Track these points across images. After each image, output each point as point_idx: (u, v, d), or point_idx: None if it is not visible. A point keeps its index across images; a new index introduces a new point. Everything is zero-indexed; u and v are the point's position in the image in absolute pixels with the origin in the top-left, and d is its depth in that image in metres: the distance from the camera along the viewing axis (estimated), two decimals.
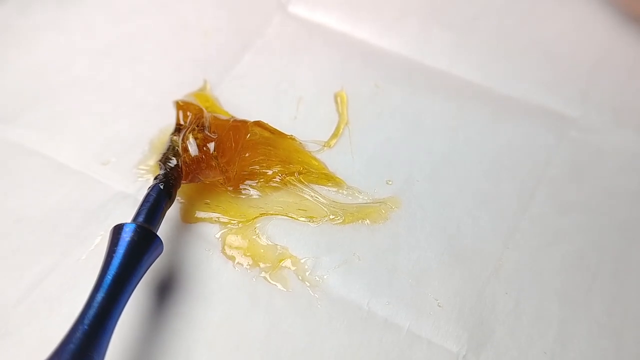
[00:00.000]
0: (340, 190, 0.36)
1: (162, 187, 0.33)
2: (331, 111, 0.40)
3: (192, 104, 0.37)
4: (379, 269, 0.33)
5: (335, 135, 0.39)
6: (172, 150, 0.35)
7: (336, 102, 0.40)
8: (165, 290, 0.33)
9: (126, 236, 0.29)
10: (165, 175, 0.34)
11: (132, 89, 0.41)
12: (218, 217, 0.35)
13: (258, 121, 0.36)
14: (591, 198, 0.36)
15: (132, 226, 0.30)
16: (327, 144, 0.38)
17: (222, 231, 0.35)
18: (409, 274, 0.33)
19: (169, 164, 0.34)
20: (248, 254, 0.34)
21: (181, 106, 0.37)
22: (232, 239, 0.34)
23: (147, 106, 0.40)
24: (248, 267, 0.33)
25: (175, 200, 0.36)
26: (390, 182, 0.36)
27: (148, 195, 0.32)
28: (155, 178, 0.33)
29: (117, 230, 0.30)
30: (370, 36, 0.43)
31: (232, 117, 0.38)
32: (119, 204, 0.36)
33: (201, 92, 0.40)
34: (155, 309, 0.32)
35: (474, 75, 0.41)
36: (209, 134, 0.35)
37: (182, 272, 0.33)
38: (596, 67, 0.41)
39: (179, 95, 0.39)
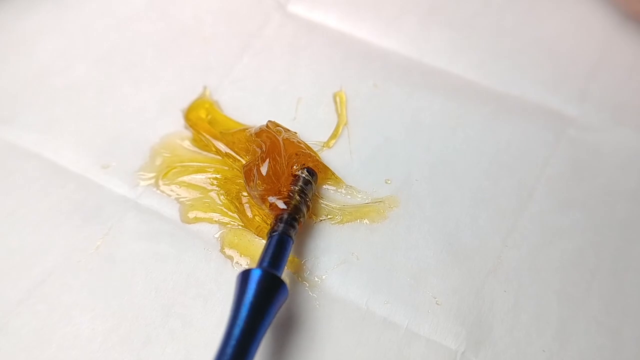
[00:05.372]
0: (338, 190, 0.36)
1: (287, 229, 0.32)
2: (330, 111, 0.40)
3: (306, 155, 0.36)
4: (378, 268, 0.33)
5: (334, 135, 0.39)
6: (303, 196, 0.34)
7: (335, 102, 0.40)
8: (162, 290, 0.33)
9: (253, 284, 0.29)
10: (291, 218, 0.33)
11: (131, 93, 0.40)
12: (218, 218, 0.35)
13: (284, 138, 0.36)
14: (590, 196, 0.36)
15: (259, 272, 0.29)
16: (326, 145, 0.38)
17: (221, 231, 0.35)
18: (407, 273, 0.33)
19: (297, 209, 0.33)
20: (247, 254, 0.34)
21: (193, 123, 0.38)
22: (231, 239, 0.34)
23: (147, 111, 0.40)
24: (247, 266, 0.34)
25: (176, 200, 0.36)
26: (389, 182, 0.36)
27: (271, 238, 0.32)
28: (280, 220, 0.33)
29: (245, 276, 0.29)
30: (370, 35, 0.43)
31: (242, 125, 0.38)
32: (120, 207, 0.36)
33: (202, 100, 0.40)
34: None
35: (473, 74, 0.41)
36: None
37: (180, 272, 0.33)
38: (595, 66, 0.41)
39: (179, 100, 0.39)
